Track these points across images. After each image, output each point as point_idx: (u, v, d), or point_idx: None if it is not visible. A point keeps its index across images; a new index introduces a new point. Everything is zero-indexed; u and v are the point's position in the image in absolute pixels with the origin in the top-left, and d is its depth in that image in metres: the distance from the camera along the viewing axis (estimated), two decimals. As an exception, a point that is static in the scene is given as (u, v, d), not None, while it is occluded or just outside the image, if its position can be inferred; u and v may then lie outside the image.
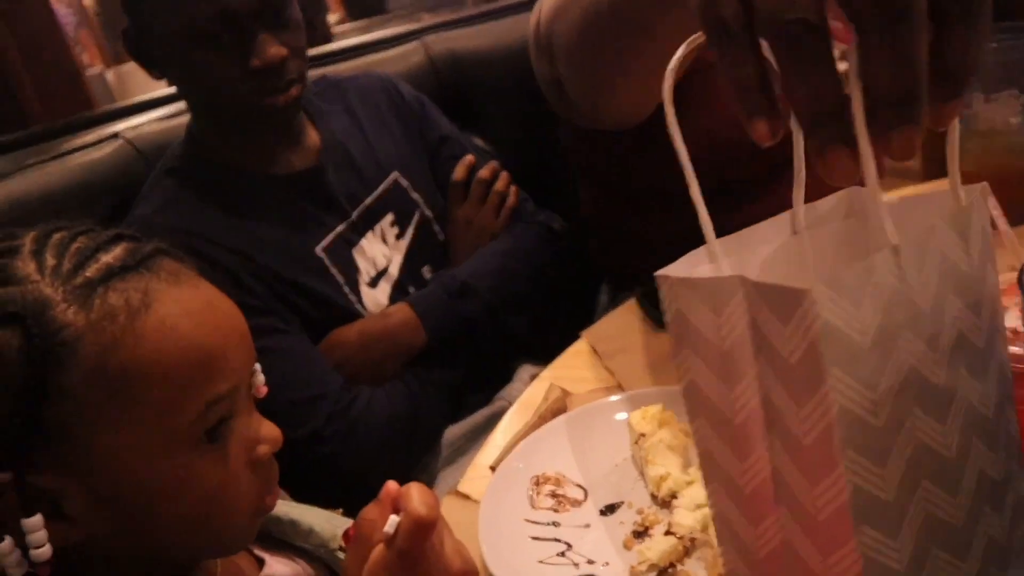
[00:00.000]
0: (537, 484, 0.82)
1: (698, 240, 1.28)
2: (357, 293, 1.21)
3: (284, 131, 1.17)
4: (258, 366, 0.65)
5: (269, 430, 0.63)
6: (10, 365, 0.52)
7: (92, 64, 2.93)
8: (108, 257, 0.57)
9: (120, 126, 1.34)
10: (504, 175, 1.37)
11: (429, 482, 1.17)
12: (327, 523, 0.77)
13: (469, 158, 1.37)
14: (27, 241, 0.58)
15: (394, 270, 1.27)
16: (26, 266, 0.56)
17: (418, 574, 0.57)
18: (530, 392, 0.99)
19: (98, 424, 0.55)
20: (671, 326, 0.49)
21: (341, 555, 0.74)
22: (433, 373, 1.20)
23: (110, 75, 2.87)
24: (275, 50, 1.07)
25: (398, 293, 1.26)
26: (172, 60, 1.12)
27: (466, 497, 0.85)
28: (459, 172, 1.35)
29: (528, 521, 0.78)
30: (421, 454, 1.19)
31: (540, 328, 1.33)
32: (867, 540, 0.44)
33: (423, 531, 0.56)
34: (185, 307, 0.58)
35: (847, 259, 0.55)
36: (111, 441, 0.55)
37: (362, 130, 1.30)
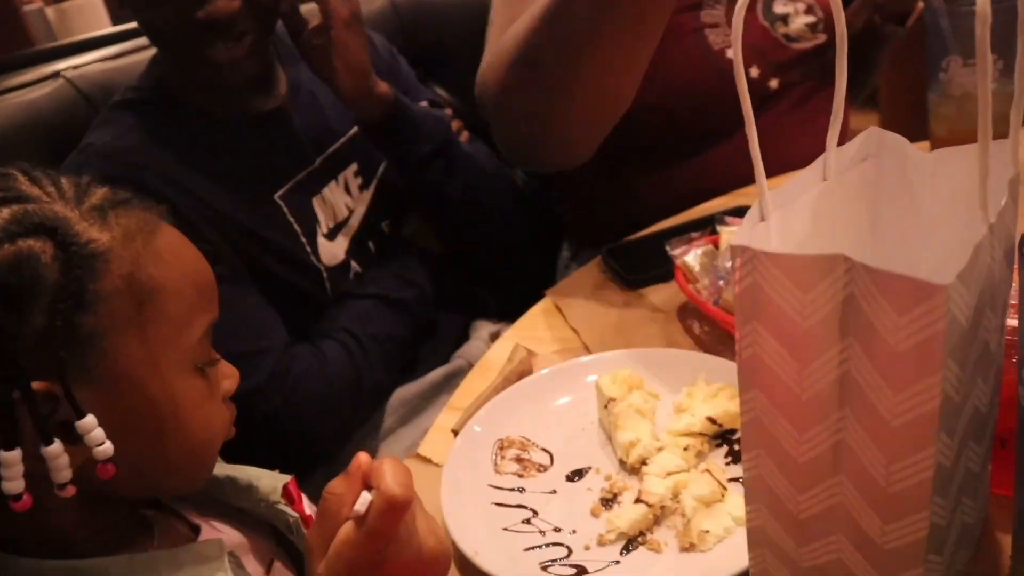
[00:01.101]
0: (501, 448, 0.79)
1: (664, 198, 1.28)
2: (314, 244, 1.14)
3: (242, 80, 1.07)
4: None
5: (228, 366, 0.68)
6: (49, 272, 0.53)
7: (31, 0, 2.66)
8: (100, 193, 0.59)
9: (61, 65, 1.23)
10: (456, 121, 1.33)
11: (381, 441, 1.12)
12: (266, 478, 0.74)
13: (422, 104, 1.30)
14: (14, 171, 0.58)
15: (355, 222, 1.20)
16: (31, 189, 0.57)
17: (389, 555, 0.54)
18: (493, 352, 0.96)
19: (126, 335, 0.57)
20: (743, 297, 0.47)
21: (282, 508, 0.72)
22: (377, 328, 1.15)
23: (50, 12, 2.61)
24: (224, 3, 0.98)
25: (355, 246, 1.20)
26: None
27: (427, 460, 0.81)
28: None
29: (492, 487, 0.76)
30: (367, 414, 1.14)
31: (499, 287, 1.30)
32: (935, 507, 0.45)
33: (396, 511, 0.53)
34: (178, 239, 0.63)
35: (877, 212, 0.56)
36: (136, 354, 0.57)
37: None
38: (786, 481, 0.51)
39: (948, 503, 0.48)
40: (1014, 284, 0.65)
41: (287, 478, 0.69)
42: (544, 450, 0.79)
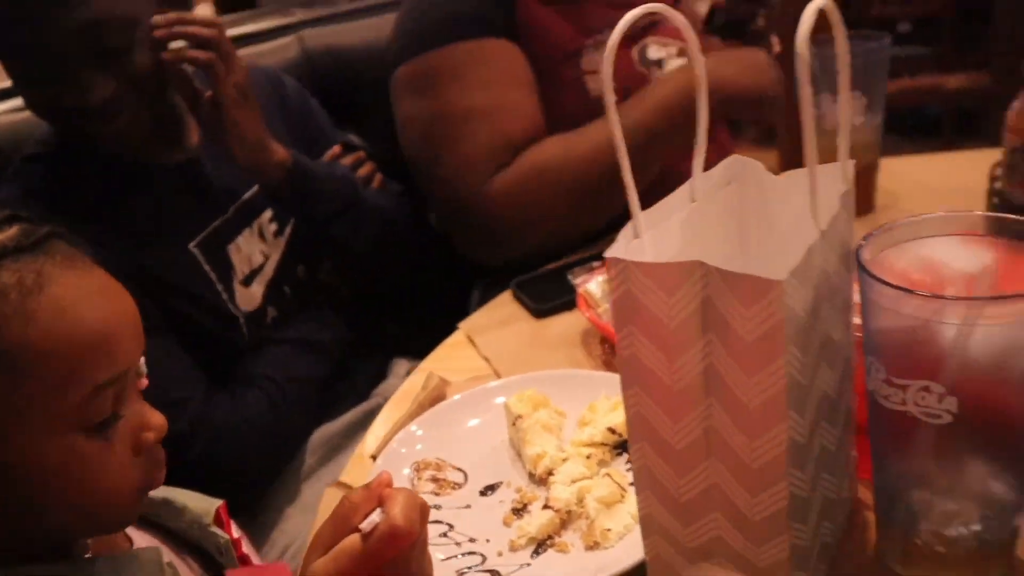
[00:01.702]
0: (418, 470, 0.84)
1: (567, 240, 1.35)
2: (231, 291, 1.16)
3: (135, 143, 1.10)
4: (143, 357, 0.65)
5: (155, 417, 0.64)
6: None
7: None
8: (2, 237, 0.58)
9: None
10: (369, 164, 1.37)
11: (304, 482, 1.15)
12: (198, 501, 0.76)
13: (333, 150, 1.35)
14: None
15: (270, 268, 1.23)
16: None
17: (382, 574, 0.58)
18: (409, 382, 1.01)
19: None
20: (619, 304, 0.54)
21: (214, 530, 0.74)
22: (295, 371, 1.18)
23: None
24: (97, 92, 1.02)
25: (272, 292, 1.23)
26: None
27: (348, 487, 0.85)
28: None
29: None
30: (289, 457, 1.16)
31: (414, 325, 1.34)
32: (792, 479, 0.52)
33: (396, 540, 0.57)
34: (78, 291, 0.59)
35: (741, 228, 0.63)
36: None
37: None
38: (667, 467, 0.57)
39: (807, 476, 0.55)
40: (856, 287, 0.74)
41: (219, 502, 0.74)
42: (458, 469, 0.84)
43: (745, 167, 0.63)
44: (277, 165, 1.17)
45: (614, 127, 0.54)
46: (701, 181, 0.62)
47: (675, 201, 0.61)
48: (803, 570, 0.58)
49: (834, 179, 0.57)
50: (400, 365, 1.33)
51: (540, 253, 1.22)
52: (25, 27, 0.98)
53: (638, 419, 0.57)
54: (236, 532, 0.72)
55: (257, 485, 1.14)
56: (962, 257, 0.56)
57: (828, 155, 1.24)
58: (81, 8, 0.99)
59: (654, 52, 1.42)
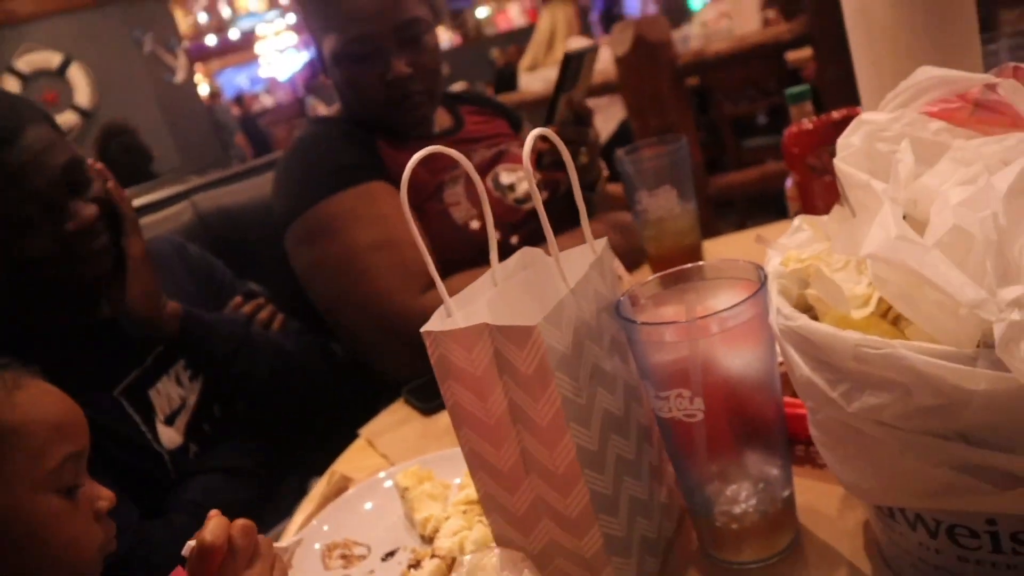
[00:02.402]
0: (328, 550, 0.97)
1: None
2: (154, 431, 1.30)
3: (91, 278, 1.26)
4: None
5: (105, 490, 0.86)
6: None
7: None
8: None
9: None
10: (268, 308, 1.52)
11: None
12: None
13: (235, 300, 1.50)
14: None
15: (188, 409, 1.38)
16: None
17: None
18: (317, 488, 1.15)
19: None
20: (437, 366, 0.71)
21: None
22: (222, 497, 1.31)
23: None
24: (87, 211, 1.20)
25: (192, 430, 1.37)
26: None
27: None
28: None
29: (324, 581, 0.94)
30: None
31: (330, 442, 1.47)
32: (589, 478, 0.68)
33: (207, 555, 0.72)
34: (41, 389, 0.85)
35: (537, 298, 0.79)
36: None
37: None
38: (501, 489, 0.73)
39: (607, 477, 0.71)
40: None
41: None
42: (362, 544, 0.98)
43: (535, 256, 0.82)
44: (170, 317, 1.33)
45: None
46: (499, 269, 0.80)
47: (479, 287, 0.79)
48: (622, 556, 0.73)
49: (587, 253, 0.76)
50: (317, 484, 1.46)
51: None
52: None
53: (472, 454, 0.73)
54: None
55: None
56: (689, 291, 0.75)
57: (656, 241, 1.43)
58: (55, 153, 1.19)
59: (505, 178, 1.64)
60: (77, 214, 1.19)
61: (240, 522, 0.75)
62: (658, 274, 0.77)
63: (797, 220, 0.74)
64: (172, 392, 1.36)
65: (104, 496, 0.85)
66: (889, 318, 0.59)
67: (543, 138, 1.64)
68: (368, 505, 1.05)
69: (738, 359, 0.71)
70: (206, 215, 1.75)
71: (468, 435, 0.72)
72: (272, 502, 1.41)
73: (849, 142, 0.68)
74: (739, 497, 0.77)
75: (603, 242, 0.77)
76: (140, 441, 1.29)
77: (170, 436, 1.33)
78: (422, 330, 0.70)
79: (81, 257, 1.22)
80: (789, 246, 0.71)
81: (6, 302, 1.27)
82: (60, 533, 0.80)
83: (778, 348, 0.66)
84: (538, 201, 0.68)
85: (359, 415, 1.56)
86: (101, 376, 1.29)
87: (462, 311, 0.75)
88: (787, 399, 0.77)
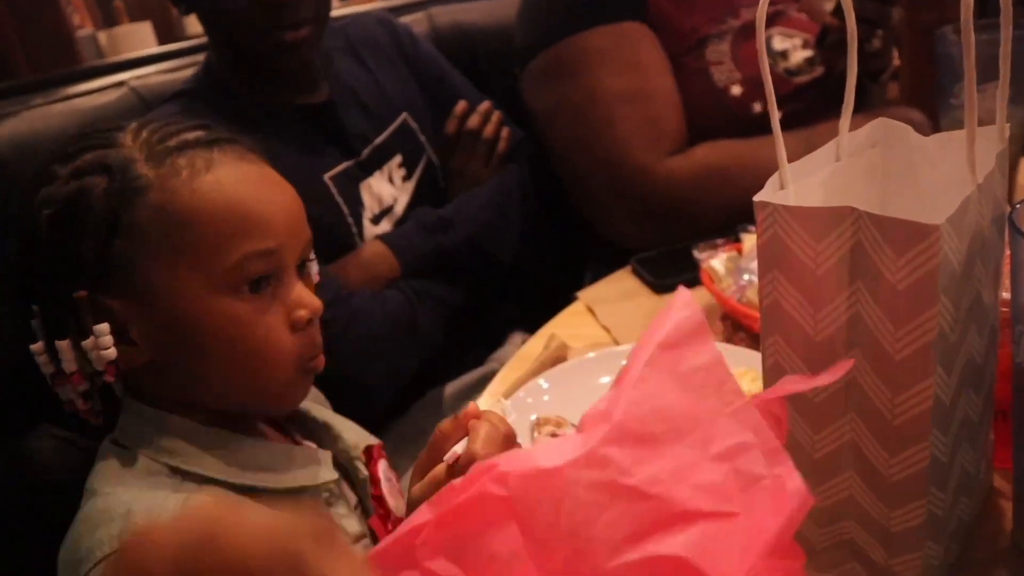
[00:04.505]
0: (538, 426, 0.85)
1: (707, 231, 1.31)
2: (360, 226, 1.21)
3: (297, 71, 1.16)
4: (313, 256, 0.76)
5: (310, 298, 0.73)
6: (95, 203, 0.67)
7: (83, 25, 2.84)
8: (189, 135, 0.71)
9: (125, 76, 1.31)
10: (495, 117, 1.38)
11: (413, 443, 1.18)
12: (355, 434, 0.83)
13: (460, 106, 1.37)
14: (134, 123, 0.73)
15: (399, 209, 1.27)
16: (125, 137, 0.71)
17: None
18: (529, 345, 1.02)
19: (156, 258, 0.67)
20: (764, 249, 0.53)
21: (358, 464, 0.80)
22: (428, 287, 1.21)
23: (102, 37, 2.80)
24: None
25: None
26: None
27: (467, 436, 0.87)
28: (450, 126, 1.36)
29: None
30: (415, 365, 1.18)
31: (530, 299, 1.36)
32: (934, 440, 0.51)
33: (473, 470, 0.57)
34: (239, 176, 0.70)
35: (894, 186, 0.61)
36: (165, 274, 0.67)
37: (368, 70, 1.30)
38: (803, 422, 0.56)
39: (948, 441, 0.53)
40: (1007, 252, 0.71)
41: (374, 440, 0.81)
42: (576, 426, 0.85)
43: (891, 130, 0.62)
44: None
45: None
46: (847, 141, 0.61)
47: (819, 158, 0.60)
48: (937, 542, 0.56)
49: (991, 140, 0.55)
50: (517, 336, 1.35)
51: (686, 236, 1.21)
52: None
53: (776, 370, 0.56)
54: (383, 473, 0.76)
55: (378, 391, 1.16)
56: None
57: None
58: None
59: (779, 43, 1.40)
60: None
61: (508, 432, 0.60)
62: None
63: None
64: (383, 190, 1.26)
65: (306, 304, 0.72)
66: None
67: (834, 11, 1.42)
68: (604, 379, 0.91)
69: None
70: (441, 29, 1.61)
71: (777, 345, 0.55)
72: (466, 346, 1.31)
73: None
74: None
75: (1007, 128, 0.56)
76: (344, 235, 1.19)
77: (376, 235, 1.23)
78: (756, 199, 0.53)
79: (272, 35, 1.10)
80: None
81: (225, 73, 1.19)
82: (241, 339, 0.68)
83: None
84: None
85: (568, 283, 1.43)
86: (311, 161, 1.19)
87: (793, 185, 0.57)
88: None
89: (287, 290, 0.71)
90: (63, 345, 0.67)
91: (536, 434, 0.84)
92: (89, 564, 0.60)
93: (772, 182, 0.56)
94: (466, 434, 0.60)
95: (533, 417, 0.86)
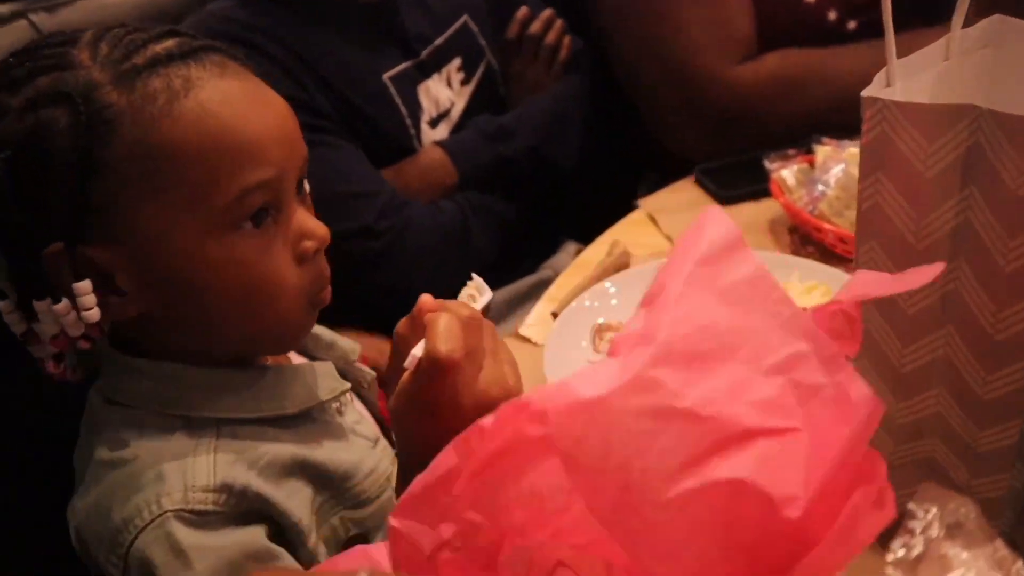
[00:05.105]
0: (599, 331, 0.83)
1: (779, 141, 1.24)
2: (417, 128, 1.18)
3: None
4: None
5: (316, 226, 0.64)
6: (59, 140, 0.56)
7: None
8: (158, 47, 0.59)
9: None
10: (558, 25, 1.33)
11: None
12: (346, 340, 0.77)
13: (522, 11, 1.32)
14: (87, 34, 0.60)
15: (455, 113, 1.24)
16: (80, 54, 0.59)
17: (442, 404, 0.52)
18: (591, 250, 1.00)
19: (141, 200, 0.58)
20: (868, 149, 0.50)
21: (359, 366, 0.75)
22: (484, 200, 1.19)
23: None
24: None
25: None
26: None
27: (526, 340, 0.86)
28: (512, 29, 1.32)
29: (592, 363, 0.80)
30: (470, 271, 1.17)
31: (584, 210, 1.33)
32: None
33: (442, 372, 0.51)
34: (225, 95, 0.59)
35: (987, 90, 0.56)
36: (153, 217, 0.58)
37: None
38: (893, 334, 0.54)
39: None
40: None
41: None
42: (641, 336, 0.83)
43: (1006, 28, 0.57)
44: None
45: None
46: (958, 38, 0.56)
47: (927, 57, 0.56)
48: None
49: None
50: (570, 245, 1.32)
51: (753, 147, 1.17)
52: None
53: (867, 279, 0.53)
54: None
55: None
56: None
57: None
58: None
59: None
60: None
61: (471, 315, 0.55)
62: None
63: None
64: (441, 92, 1.22)
65: (313, 234, 0.63)
66: None
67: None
68: None
69: None
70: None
71: (873, 252, 0.52)
72: (520, 254, 1.28)
73: None
74: None
75: None
76: (402, 137, 1.16)
77: (433, 139, 1.20)
78: (864, 94, 0.49)
79: None
80: None
81: None
82: (246, 277, 0.60)
83: None
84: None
85: (623, 193, 1.39)
86: (370, 59, 1.15)
87: (900, 82, 0.53)
88: None
89: (289, 218, 0.63)
90: (42, 306, 0.59)
91: (599, 339, 0.82)
92: (129, 533, 0.58)
93: (879, 79, 0.52)
94: (423, 334, 0.53)
95: (600, 320, 0.84)
